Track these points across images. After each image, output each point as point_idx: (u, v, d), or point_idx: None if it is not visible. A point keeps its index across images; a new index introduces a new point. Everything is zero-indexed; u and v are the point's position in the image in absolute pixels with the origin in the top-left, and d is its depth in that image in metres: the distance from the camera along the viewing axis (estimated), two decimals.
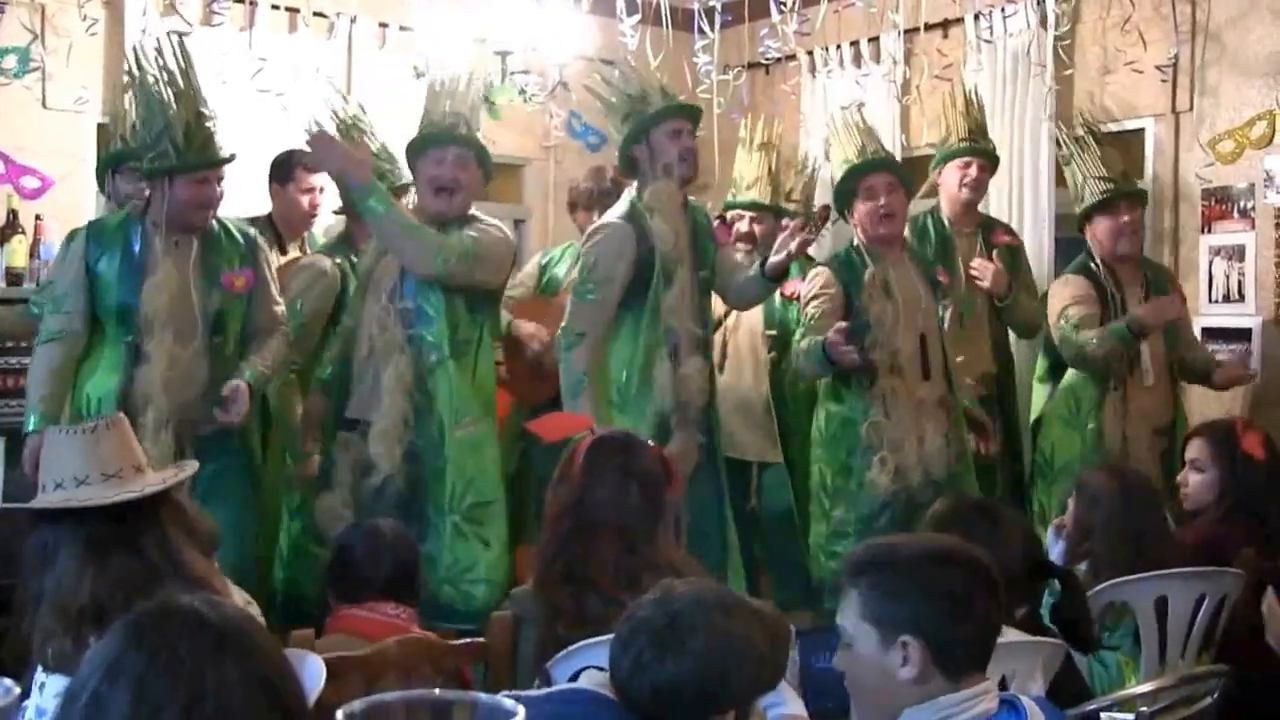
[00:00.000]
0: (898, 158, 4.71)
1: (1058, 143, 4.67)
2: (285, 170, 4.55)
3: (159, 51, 3.64)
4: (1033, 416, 4.49)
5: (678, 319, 3.85)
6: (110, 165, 4.31)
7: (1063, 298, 4.31)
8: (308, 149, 3.95)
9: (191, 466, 2.38)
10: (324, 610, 2.99)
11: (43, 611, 2.06)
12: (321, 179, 4.62)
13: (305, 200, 4.54)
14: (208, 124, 3.64)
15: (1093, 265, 4.38)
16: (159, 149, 3.59)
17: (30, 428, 3.51)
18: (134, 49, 3.88)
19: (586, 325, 3.79)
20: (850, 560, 1.97)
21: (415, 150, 3.85)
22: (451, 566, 3.66)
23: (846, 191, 4.18)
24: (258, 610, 2.33)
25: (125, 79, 3.86)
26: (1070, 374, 4.35)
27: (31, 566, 2.12)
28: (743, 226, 4.62)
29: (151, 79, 3.62)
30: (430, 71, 4.89)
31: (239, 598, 2.31)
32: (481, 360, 3.83)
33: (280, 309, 3.87)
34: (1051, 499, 4.23)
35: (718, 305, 4.43)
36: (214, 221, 3.73)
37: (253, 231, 3.89)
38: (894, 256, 4.14)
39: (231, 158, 3.71)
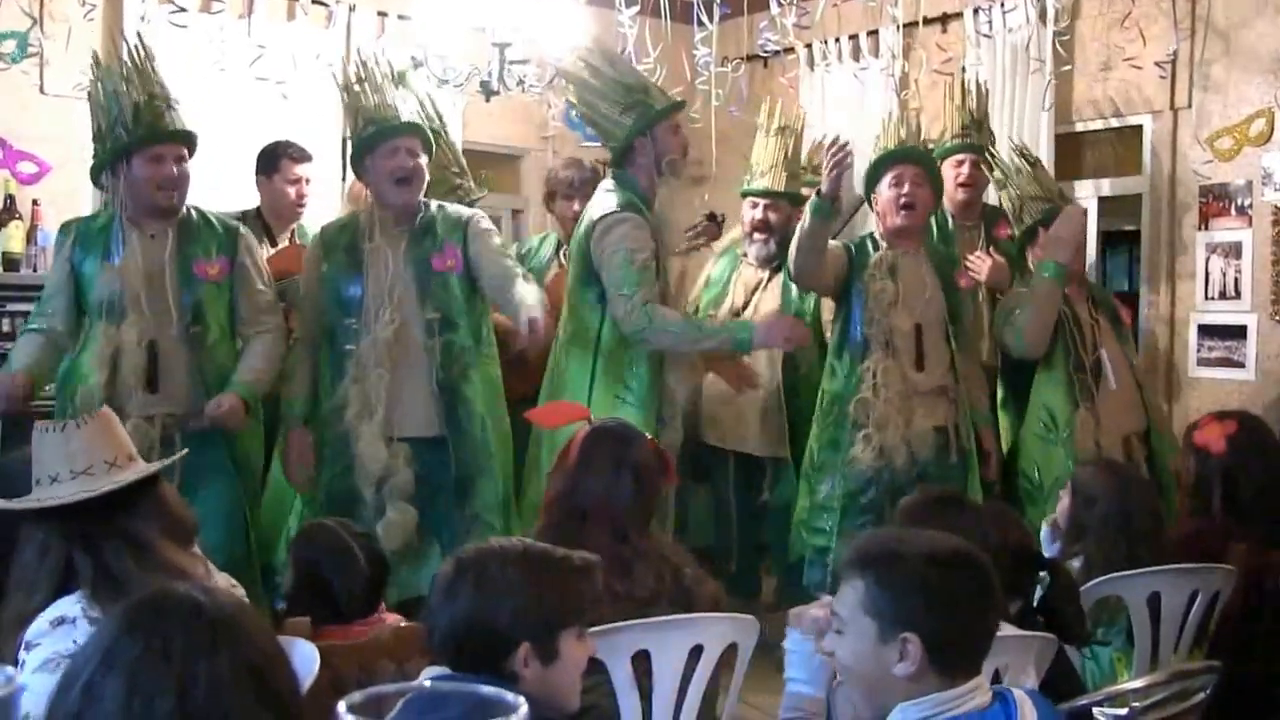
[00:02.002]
0: None
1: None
2: (271, 161, 4.52)
3: (125, 50, 3.62)
4: (1005, 447, 4.36)
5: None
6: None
7: (1007, 306, 4.27)
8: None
9: (165, 462, 2.40)
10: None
11: (6, 602, 2.13)
12: (307, 169, 4.59)
13: (292, 190, 4.51)
14: (159, 103, 3.59)
15: None
16: (114, 134, 3.57)
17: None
18: (94, 53, 3.89)
19: (649, 296, 3.73)
20: (856, 549, 1.95)
21: (365, 146, 3.75)
22: None
23: (875, 176, 4.17)
24: (243, 592, 2.33)
25: (90, 77, 3.79)
26: (1038, 391, 4.23)
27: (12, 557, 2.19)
28: (757, 214, 4.61)
29: (116, 75, 3.60)
30: (428, 61, 4.88)
31: (223, 582, 2.31)
32: (495, 353, 3.89)
33: (270, 298, 3.81)
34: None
35: (736, 300, 4.42)
36: (193, 212, 3.69)
37: (235, 223, 3.84)
38: (909, 249, 4.13)
39: (189, 134, 3.64)
